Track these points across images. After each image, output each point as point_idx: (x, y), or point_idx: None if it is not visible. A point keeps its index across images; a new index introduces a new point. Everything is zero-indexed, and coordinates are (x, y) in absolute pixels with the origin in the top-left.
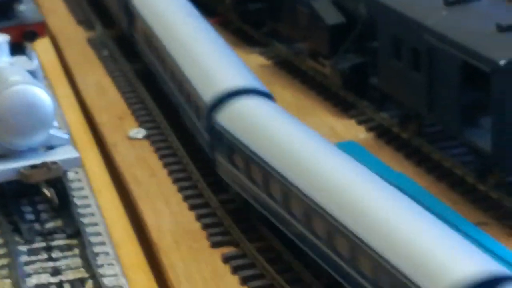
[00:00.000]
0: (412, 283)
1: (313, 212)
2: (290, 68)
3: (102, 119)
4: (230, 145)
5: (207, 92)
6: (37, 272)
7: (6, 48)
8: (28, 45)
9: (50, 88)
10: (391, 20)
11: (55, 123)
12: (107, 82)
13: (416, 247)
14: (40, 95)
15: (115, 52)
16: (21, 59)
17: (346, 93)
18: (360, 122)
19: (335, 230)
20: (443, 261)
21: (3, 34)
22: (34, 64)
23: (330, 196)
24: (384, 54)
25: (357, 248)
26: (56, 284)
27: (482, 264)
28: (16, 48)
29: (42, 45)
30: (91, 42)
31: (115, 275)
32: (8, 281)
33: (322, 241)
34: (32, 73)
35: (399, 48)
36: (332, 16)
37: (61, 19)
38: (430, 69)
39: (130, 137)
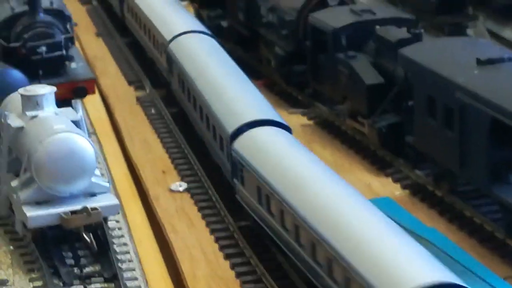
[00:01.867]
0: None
1: (316, 241)
2: (331, 128)
3: (146, 173)
4: (244, 172)
5: (229, 124)
6: None
7: (52, 99)
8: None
9: (98, 143)
10: (426, 80)
11: (97, 171)
12: (153, 139)
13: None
14: (83, 143)
15: (162, 110)
16: (66, 110)
17: (383, 152)
18: (396, 180)
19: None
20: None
21: (51, 86)
22: (78, 115)
23: (334, 228)
24: (420, 113)
25: None
26: None
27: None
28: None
29: (93, 103)
30: (140, 101)
31: None
32: None
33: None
34: (76, 123)
35: (434, 107)
36: (370, 76)
37: (113, 79)
38: (462, 127)
39: (171, 190)
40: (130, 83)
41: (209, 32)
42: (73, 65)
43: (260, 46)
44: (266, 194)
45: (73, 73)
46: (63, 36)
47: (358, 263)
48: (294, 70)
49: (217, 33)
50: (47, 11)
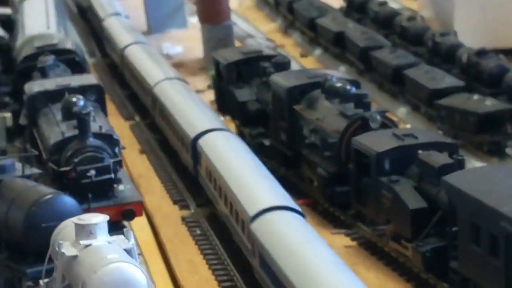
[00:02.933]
0: None
1: None
2: (374, 250)
3: None
4: (261, 254)
5: (249, 209)
6: None
7: (105, 228)
8: (126, 223)
9: (144, 264)
10: (470, 207)
11: None
12: (198, 260)
13: None
14: (136, 273)
15: (208, 230)
16: (118, 238)
17: (427, 276)
18: None
19: None
20: None
21: (104, 214)
22: (130, 244)
23: None
24: (464, 239)
25: None
26: None
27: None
28: (115, 226)
29: (138, 222)
30: (185, 221)
31: None
32: None
33: None
34: (128, 251)
35: (478, 234)
36: (414, 201)
37: (157, 198)
38: (507, 255)
39: None
40: (175, 202)
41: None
42: (122, 187)
43: (302, 165)
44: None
45: (122, 196)
46: (112, 160)
47: None
48: (337, 191)
49: (259, 151)
50: (97, 135)
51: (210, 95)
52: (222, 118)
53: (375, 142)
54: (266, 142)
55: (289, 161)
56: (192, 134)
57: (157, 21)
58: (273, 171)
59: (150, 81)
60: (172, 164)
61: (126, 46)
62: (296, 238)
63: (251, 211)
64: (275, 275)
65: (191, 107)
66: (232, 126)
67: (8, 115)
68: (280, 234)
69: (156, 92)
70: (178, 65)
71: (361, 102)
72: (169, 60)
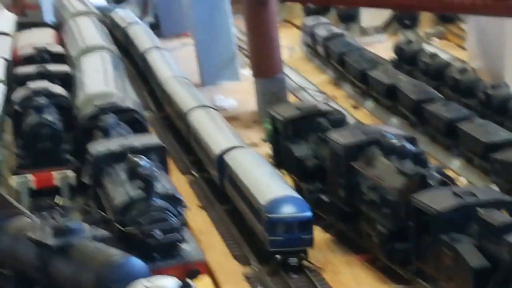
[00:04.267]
0: None
1: None
2: None
3: None
4: None
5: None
6: None
7: None
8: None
9: None
10: None
11: None
12: None
13: None
14: None
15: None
16: None
17: None
18: None
19: None
20: None
21: (172, 277)
22: None
23: None
24: None
25: None
26: None
27: None
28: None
29: (202, 280)
30: (247, 278)
31: None
32: None
33: None
34: None
35: None
36: (476, 260)
37: (218, 254)
38: None
39: None
40: (235, 257)
41: None
42: (186, 246)
43: (360, 221)
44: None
45: (186, 255)
46: (176, 220)
47: None
48: (397, 248)
49: (316, 206)
50: (161, 196)
51: (265, 148)
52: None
53: (435, 200)
54: (324, 198)
55: (347, 216)
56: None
57: (210, 73)
58: (331, 225)
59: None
60: (230, 218)
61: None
62: None
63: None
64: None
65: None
66: (288, 179)
67: (70, 172)
68: None
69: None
70: (232, 118)
71: (419, 159)
72: (223, 113)
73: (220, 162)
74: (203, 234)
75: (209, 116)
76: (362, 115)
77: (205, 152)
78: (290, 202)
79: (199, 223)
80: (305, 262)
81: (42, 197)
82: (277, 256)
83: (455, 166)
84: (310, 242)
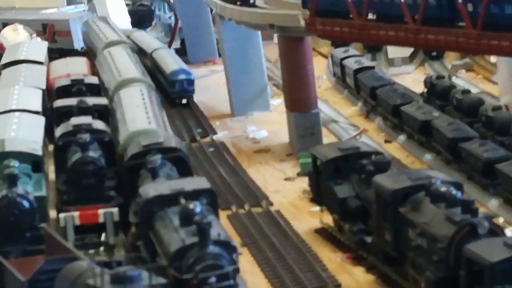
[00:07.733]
0: None
1: None
2: None
3: None
4: None
5: None
6: None
7: None
8: None
9: None
10: None
11: None
12: None
13: None
14: None
15: None
16: None
17: None
18: None
19: None
20: None
21: None
22: None
23: None
24: None
25: None
26: None
27: None
28: None
29: None
30: None
31: None
32: None
33: None
34: None
35: None
36: None
37: None
38: None
39: None
40: None
41: None
42: None
43: (406, 265)
44: None
45: None
46: (230, 267)
47: None
48: None
49: (360, 247)
50: (216, 243)
51: (300, 183)
52: None
53: (487, 251)
54: (368, 239)
55: (392, 259)
56: None
57: (241, 104)
58: (374, 267)
59: None
60: (276, 258)
61: None
62: None
63: None
64: None
65: None
66: (329, 217)
67: (115, 209)
68: None
69: None
70: (265, 150)
71: (468, 207)
72: (256, 145)
73: None
74: (248, 273)
75: None
76: (394, 149)
77: None
78: None
79: (242, 262)
80: None
81: (84, 234)
82: None
83: (493, 206)
84: None
